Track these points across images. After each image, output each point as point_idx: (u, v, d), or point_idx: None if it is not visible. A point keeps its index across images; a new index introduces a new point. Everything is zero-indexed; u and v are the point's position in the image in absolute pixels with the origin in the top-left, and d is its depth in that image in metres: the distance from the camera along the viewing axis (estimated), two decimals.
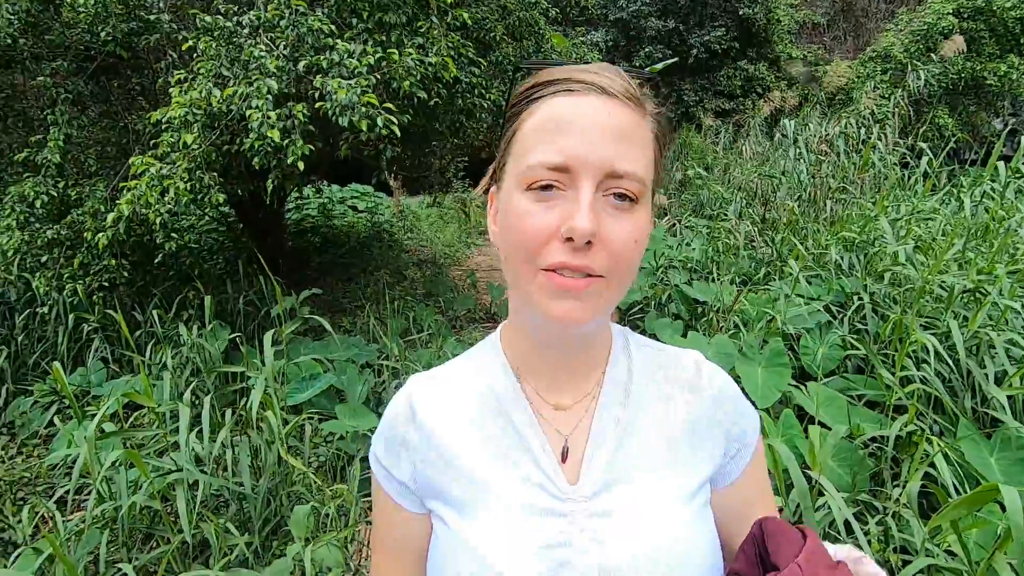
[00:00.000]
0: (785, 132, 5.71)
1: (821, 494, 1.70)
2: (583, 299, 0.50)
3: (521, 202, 0.51)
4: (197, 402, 2.27)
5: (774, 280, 3.51)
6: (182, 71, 2.48)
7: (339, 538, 1.97)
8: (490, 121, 4.05)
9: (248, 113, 2.22)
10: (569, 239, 0.48)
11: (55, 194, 3.11)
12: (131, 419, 2.76)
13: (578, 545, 0.54)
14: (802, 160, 5.10)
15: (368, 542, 2.39)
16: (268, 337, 2.22)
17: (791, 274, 3.07)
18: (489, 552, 0.54)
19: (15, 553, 1.96)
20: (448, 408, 0.62)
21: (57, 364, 1.90)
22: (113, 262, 3.24)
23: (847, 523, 1.63)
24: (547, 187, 0.50)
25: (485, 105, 3.49)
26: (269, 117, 2.20)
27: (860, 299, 2.80)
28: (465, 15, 2.90)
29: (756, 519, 0.55)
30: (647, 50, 11.18)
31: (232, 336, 3.12)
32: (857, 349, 2.49)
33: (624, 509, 0.55)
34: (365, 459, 2.57)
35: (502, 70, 3.84)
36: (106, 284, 3.27)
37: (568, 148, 0.49)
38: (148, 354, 3.09)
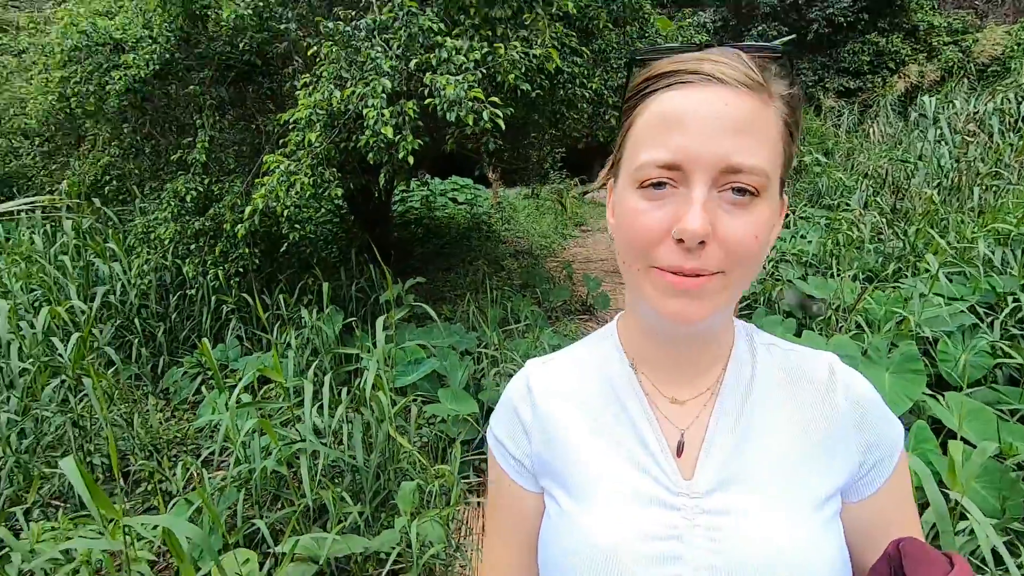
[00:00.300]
0: (923, 111, 5.09)
1: (963, 518, 1.52)
2: (697, 297, 0.49)
3: (633, 200, 0.51)
4: (317, 380, 2.48)
5: (905, 277, 3.16)
6: (307, 75, 2.69)
7: (441, 515, 2.07)
8: (590, 111, 4.00)
9: (365, 112, 2.38)
10: (680, 240, 0.47)
11: (201, 190, 3.52)
12: (260, 392, 3.07)
13: (690, 541, 0.53)
14: (944, 142, 4.52)
15: (467, 521, 2.49)
16: (380, 322, 2.37)
17: (927, 270, 2.75)
18: (599, 537, 0.54)
19: (171, 502, 2.26)
20: (563, 392, 0.64)
21: (205, 340, 2.16)
22: (247, 251, 3.61)
23: (995, 553, 1.45)
24: (659, 184, 0.49)
25: (586, 95, 3.45)
26: (383, 115, 2.33)
27: (1016, 300, 2.45)
28: (570, 4, 2.87)
29: (894, 539, 0.51)
30: (759, 28, 10.44)
31: (347, 321, 3.35)
32: (1011, 357, 2.19)
33: (741, 510, 0.53)
34: (466, 442, 2.67)
35: (604, 58, 3.77)
36: (241, 270, 3.66)
37: (679, 145, 0.48)
38: (274, 334, 3.42)
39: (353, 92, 2.43)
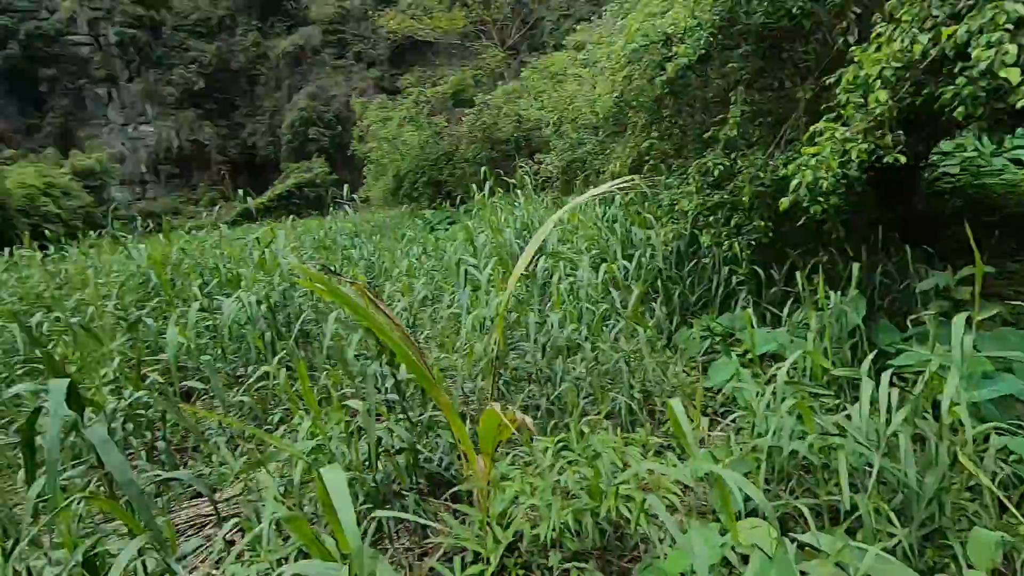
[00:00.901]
0: None
1: None
2: None
3: None
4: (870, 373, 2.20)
5: None
6: (882, 25, 2.33)
7: None
8: None
9: (973, 52, 1.87)
10: None
11: (728, 164, 3.67)
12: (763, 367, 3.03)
13: None
14: None
15: None
16: (959, 320, 1.88)
17: None
18: None
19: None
20: None
21: (749, 311, 2.24)
22: (762, 224, 3.58)
23: None
24: None
25: None
26: (1006, 51, 1.77)
27: None
28: None
29: None
30: None
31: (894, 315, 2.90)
32: None
33: None
34: None
35: None
36: (752, 243, 3.68)
37: None
38: (785, 312, 3.30)
39: (957, 30, 1.94)
